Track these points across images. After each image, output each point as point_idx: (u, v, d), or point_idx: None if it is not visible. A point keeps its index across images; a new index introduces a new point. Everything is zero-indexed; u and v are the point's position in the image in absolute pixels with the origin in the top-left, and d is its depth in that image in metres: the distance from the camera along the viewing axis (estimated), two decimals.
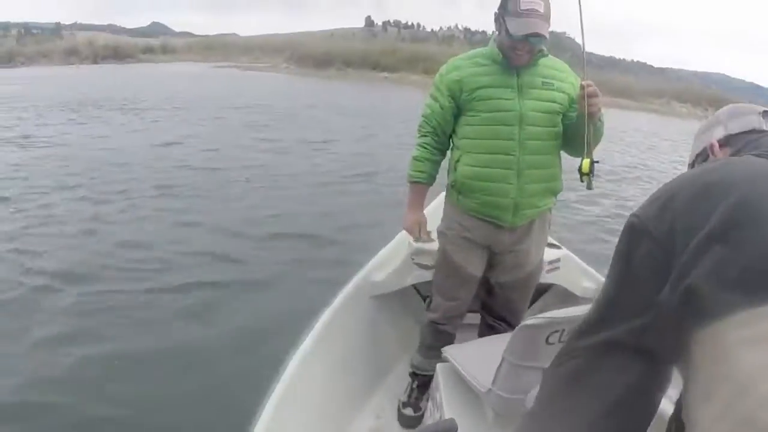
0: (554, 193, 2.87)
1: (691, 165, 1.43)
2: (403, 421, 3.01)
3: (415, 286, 3.54)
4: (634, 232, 0.94)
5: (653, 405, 0.94)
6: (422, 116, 2.87)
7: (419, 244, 3.08)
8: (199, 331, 4.70)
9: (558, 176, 2.85)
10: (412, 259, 3.17)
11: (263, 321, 4.84)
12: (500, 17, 2.57)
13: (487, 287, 3.09)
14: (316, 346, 2.62)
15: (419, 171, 2.88)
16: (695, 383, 0.79)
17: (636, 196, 12.14)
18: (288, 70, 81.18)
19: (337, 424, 2.73)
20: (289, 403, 2.22)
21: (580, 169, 2.62)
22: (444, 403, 2.39)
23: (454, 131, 2.82)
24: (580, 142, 2.58)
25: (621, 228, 0.99)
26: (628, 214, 0.98)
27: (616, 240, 1.00)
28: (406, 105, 28.35)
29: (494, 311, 3.11)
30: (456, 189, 2.79)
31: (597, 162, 2.58)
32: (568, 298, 3.66)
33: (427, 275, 3.19)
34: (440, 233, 2.94)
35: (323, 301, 3.13)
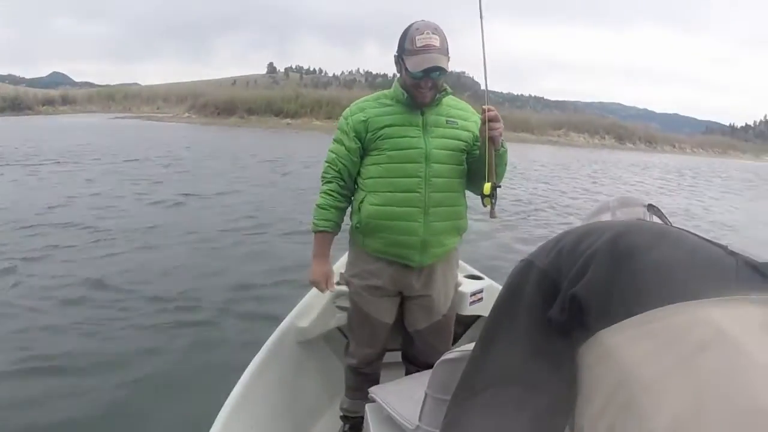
0: (460, 231, 2.81)
1: None
2: None
3: (339, 328, 3.48)
4: (526, 272, 1.00)
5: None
6: (326, 162, 2.75)
7: (339, 288, 2.99)
8: (115, 396, 4.12)
9: (464, 214, 2.78)
10: (334, 302, 3.15)
11: (186, 377, 4.44)
12: (399, 58, 2.54)
13: (406, 336, 2.99)
14: (245, 397, 2.54)
15: (324, 219, 2.73)
16: (581, 392, 0.86)
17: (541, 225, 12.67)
18: (190, 119, 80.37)
19: None
20: None
21: (482, 192, 2.51)
22: None
23: (358, 173, 2.71)
24: (484, 176, 2.50)
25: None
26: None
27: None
28: (310, 150, 28.17)
29: (418, 360, 2.98)
30: (360, 231, 2.68)
31: (499, 187, 2.51)
32: None
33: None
34: (348, 282, 2.83)
35: (247, 351, 3.05)
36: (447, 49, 2.50)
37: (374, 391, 2.52)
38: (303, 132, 60.92)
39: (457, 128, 2.66)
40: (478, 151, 2.63)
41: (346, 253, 3.15)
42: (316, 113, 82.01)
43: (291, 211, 11.79)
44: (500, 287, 3.43)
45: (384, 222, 2.59)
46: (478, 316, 3.53)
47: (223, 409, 2.36)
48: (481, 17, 2.52)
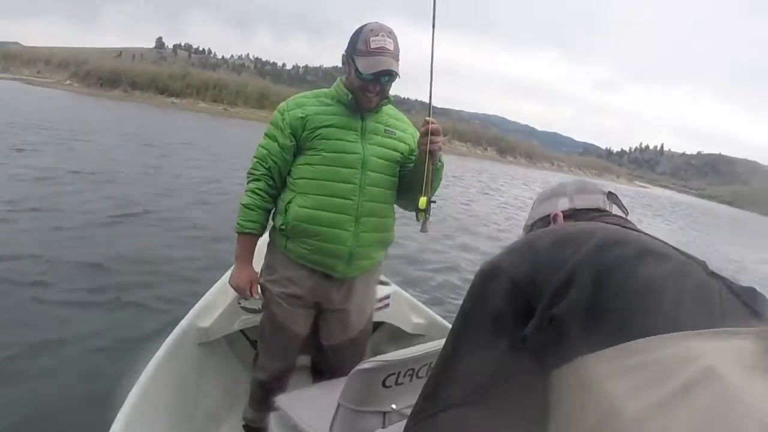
0: (387, 244, 2.70)
1: (530, 228, 1.42)
2: None
3: (243, 332, 3.33)
4: (493, 279, 0.93)
5: None
6: (255, 158, 2.56)
7: (248, 308, 2.85)
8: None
9: (392, 227, 2.69)
10: (239, 303, 2.91)
11: (73, 382, 3.90)
12: (349, 58, 2.43)
13: (317, 348, 2.83)
14: (142, 401, 2.34)
15: (251, 221, 2.54)
16: (556, 417, 0.80)
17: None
18: (71, 87, 76.99)
19: None
20: None
21: (416, 207, 2.45)
22: None
23: (288, 172, 2.55)
24: (417, 189, 2.44)
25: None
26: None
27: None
28: (195, 134, 27.42)
29: (328, 373, 2.78)
30: (285, 234, 2.50)
31: (434, 202, 2.48)
32: (398, 335, 3.50)
33: (255, 319, 2.97)
34: (263, 287, 2.63)
35: (148, 350, 2.76)
36: (398, 54, 2.43)
37: (280, 399, 2.40)
38: (188, 113, 59.35)
39: (394, 138, 2.59)
40: (411, 165, 2.60)
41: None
42: (203, 95, 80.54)
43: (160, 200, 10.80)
44: (405, 294, 3.68)
45: (312, 227, 2.45)
46: (381, 323, 3.46)
47: (118, 416, 2.19)
48: (433, 26, 2.47)
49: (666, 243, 0.97)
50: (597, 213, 1.30)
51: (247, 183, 2.58)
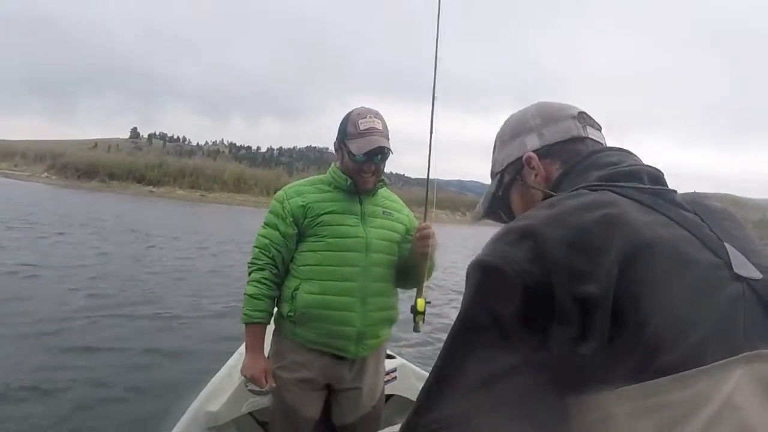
0: (393, 322, 2.70)
1: (500, 176, 1.25)
2: None
3: (252, 414, 3.30)
4: (498, 278, 0.80)
5: None
6: (256, 248, 2.56)
7: (256, 390, 2.80)
8: None
9: (396, 305, 2.70)
10: (246, 386, 2.90)
11: None
12: (341, 143, 2.50)
13: (329, 429, 2.80)
14: None
15: (259, 311, 2.50)
16: None
17: None
18: (49, 179, 77.29)
19: None
20: None
21: (414, 308, 2.55)
22: None
23: (292, 259, 2.56)
24: (409, 274, 2.61)
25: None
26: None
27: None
28: (173, 220, 27.50)
29: None
30: (293, 320, 2.49)
31: (429, 303, 2.56)
32: (407, 407, 3.24)
33: (263, 401, 3.02)
34: (273, 375, 2.58)
35: None
36: (388, 133, 2.49)
37: None
38: (166, 199, 59.64)
39: (392, 219, 2.63)
40: (407, 245, 2.64)
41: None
42: (180, 182, 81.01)
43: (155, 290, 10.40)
44: (412, 365, 3.72)
45: (321, 311, 2.44)
46: (390, 396, 3.42)
47: None
48: (433, 104, 2.54)
49: (692, 229, 0.87)
50: (577, 144, 1.14)
51: (251, 273, 2.55)
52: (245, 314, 2.51)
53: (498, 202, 1.26)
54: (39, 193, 45.41)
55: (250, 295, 2.50)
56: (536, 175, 1.15)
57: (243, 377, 2.76)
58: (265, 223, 2.56)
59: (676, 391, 0.71)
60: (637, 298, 0.75)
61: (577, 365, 0.74)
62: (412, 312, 2.57)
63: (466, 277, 0.86)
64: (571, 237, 0.80)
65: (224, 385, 3.27)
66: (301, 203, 2.49)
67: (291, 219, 2.49)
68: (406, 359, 3.82)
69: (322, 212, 2.48)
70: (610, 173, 1.00)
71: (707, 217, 0.91)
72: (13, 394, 4.99)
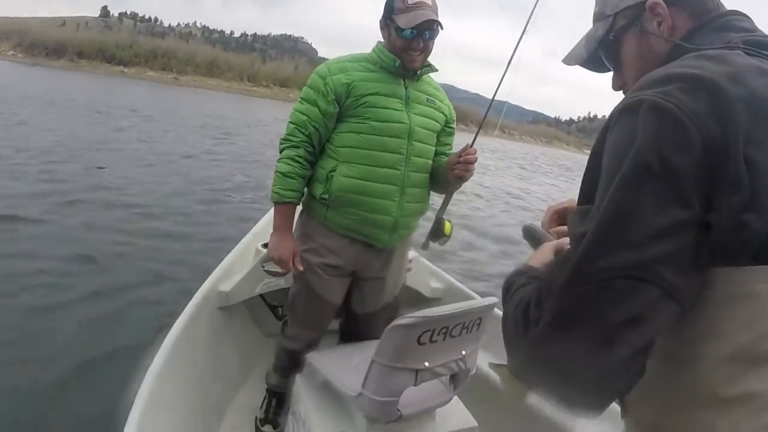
0: (424, 213, 2.61)
1: (613, 17, 1.08)
2: None
3: (262, 296, 3.24)
4: (676, 128, 0.72)
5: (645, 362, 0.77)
6: (291, 123, 2.41)
7: (272, 272, 2.71)
8: (34, 366, 3.65)
9: (429, 197, 2.60)
10: (262, 266, 2.79)
11: (101, 345, 3.97)
12: (387, 20, 2.35)
13: (348, 315, 2.78)
14: (166, 366, 2.32)
15: (291, 190, 2.39)
16: (697, 318, 0.76)
17: None
18: (15, 57, 74.87)
19: None
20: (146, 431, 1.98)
21: (439, 229, 2.58)
22: (313, 414, 2.20)
23: (329, 139, 2.43)
24: (434, 184, 2.54)
25: None
26: None
27: None
28: (143, 100, 27.06)
29: (357, 339, 2.72)
30: (326, 203, 2.39)
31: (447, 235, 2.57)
32: (416, 299, 3.47)
33: (278, 282, 3.00)
34: (299, 257, 2.48)
35: (169, 315, 2.79)
36: (437, 8, 2.34)
37: (312, 356, 2.39)
38: (137, 80, 58.40)
39: (434, 108, 2.50)
40: (442, 148, 2.59)
41: (268, 214, 3.02)
42: (151, 63, 79.13)
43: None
44: (424, 260, 3.62)
45: (358, 197, 2.34)
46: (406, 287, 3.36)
47: (146, 378, 2.15)
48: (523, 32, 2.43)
49: None
50: None
51: (283, 150, 2.42)
52: (276, 192, 2.40)
53: (606, 47, 1.10)
54: (5, 72, 43.92)
55: (283, 173, 2.38)
56: (661, 24, 1.01)
57: (261, 257, 2.79)
58: (303, 99, 2.40)
59: None
60: None
61: (737, 234, 0.71)
62: (432, 232, 2.60)
63: (622, 115, 0.79)
64: (750, 99, 0.73)
65: (236, 266, 3.24)
66: (346, 81, 2.33)
67: (333, 97, 2.33)
68: None
69: (367, 93, 2.34)
70: (754, 39, 0.89)
71: None
72: None
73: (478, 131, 2.56)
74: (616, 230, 0.73)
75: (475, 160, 2.39)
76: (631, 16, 1.04)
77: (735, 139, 0.70)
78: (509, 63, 2.44)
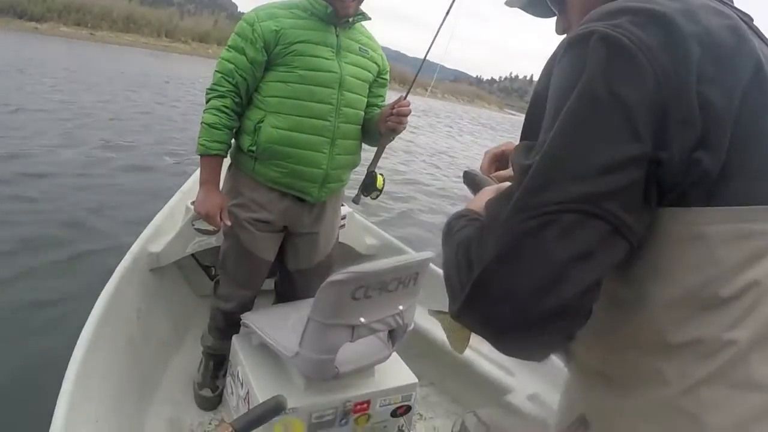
0: (356, 166, 2.57)
1: None
2: (202, 402, 2.65)
3: (194, 255, 3.16)
4: (627, 60, 0.69)
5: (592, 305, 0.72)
6: (218, 72, 2.31)
7: (203, 230, 2.66)
8: None
9: (360, 149, 2.55)
10: (193, 224, 2.71)
11: (34, 313, 3.77)
12: None
13: (282, 273, 2.73)
14: (97, 334, 2.22)
15: (217, 141, 2.28)
16: (644, 260, 0.75)
17: None
18: None
19: (133, 420, 2.40)
20: (81, 404, 1.90)
21: (372, 183, 2.53)
22: (249, 375, 2.19)
23: (256, 89, 2.33)
24: (365, 136, 2.52)
25: None
26: None
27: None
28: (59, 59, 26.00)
29: (292, 298, 2.69)
30: (253, 156, 2.32)
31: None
32: (350, 255, 3.46)
33: (209, 241, 2.94)
34: (228, 212, 2.39)
35: (99, 279, 2.61)
36: None
37: (247, 317, 2.37)
38: (51, 37, 56.39)
39: (367, 57, 2.43)
40: (374, 99, 2.54)
41: (197, 172, 2.86)
42: (65, 18, 76.13)
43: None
44: (358, 215, 3.62)
45: (286, 149, 2.27)
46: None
47: (77, 344, 2.09)
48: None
49: None
50: None
51: (209, 100, 2.30)
52: (201, 144, 2.27)
53: None
54: None
55: (209, 124, 2.26)
56: None
57: (191, 215, 2.67)
58: (230, 46, 2.29)
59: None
60: (754, 124, 0.71)
61: (688, 172, 0.69)
62: (364, 186, 2.54)
63: (571, 46, 0.76)
64: (705, 37, 0.71)
65: (166, 226, 3.14)
66: (274, 28, 2.22)
67: (261, 44, 2.22)
68: None
69: (296, 40, 2.24)
70: None
71: None
72: None
73: (412, 85, 2.54)
74: (563, 163, 0.70)
75: (409, 112, 2.36)
76: None
77: (687, 75, 0.68)
78: (440, 25, 2.39)
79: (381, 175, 2.53)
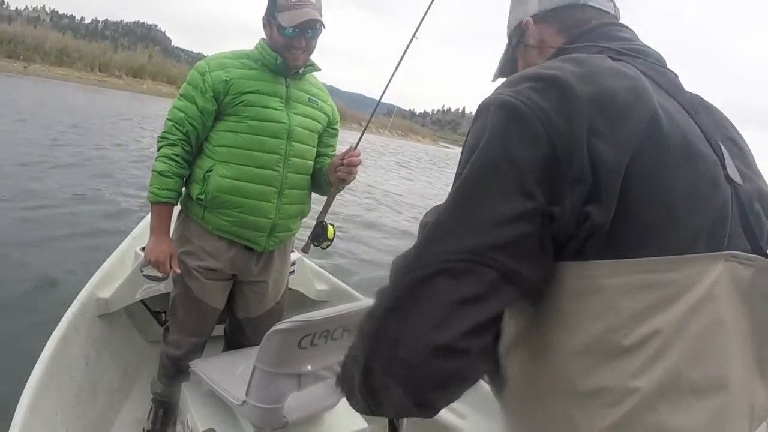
0: (304, 215, 2.57)
1: (514, 43, 1.18)
2: None
3: (143, 301, 3.09)
4: (522, 123, 0.75)
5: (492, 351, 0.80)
6: (169, 121, 2.30)
7: (152, 276, 2.54)
8: None
9: (309, 198, 2.56)
10: (141, 271, 2.59)
11: None
12: (269, 17, 2.27)
13: (232, 321, 2.71)
14: (44, 381, 2.17)
15: (167, 189, 2.27)
16: (551, 310, 0.78)
17: None
18: None
19: None
20: None
21: (322, 233, 2.55)
22: (198, 423, 2.13)
23: (206, 138, 2.33)
24: (315, 186, 2.54)
25: None
26: None
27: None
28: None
29: (242, 345, 2.68)
30: (203, 204, 2.30)
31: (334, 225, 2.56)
32: (302, 301, 3.45)
33: (158, 287, 2.90)
34: (177, 260, 2.38)
35: (46, 326, 2.56)
36: (320, 7, 2.26)
37: (196, 364, 2.32)
38: None
39: (317, 108, 2.44)
40: (323, 149, 2.57)
41: (147, 217, 2.92)
42: None
43: None
44: (308, 261, 3.66)
45: (234, 198, 2.26)
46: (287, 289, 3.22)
47: (22, 397, 2.02)
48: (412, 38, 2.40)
49: (699, 123, 0.86)
50: (576, 11, 1.08)
51: (160, 148, 2.29)
52: (152, 192, 2.26)
53: (508, 65, 1.22)
54: None
55: (159, 172, 2.25)
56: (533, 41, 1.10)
57: (140, 261, 2.60)
58: (182, 95, 2.29)
59: (669, 272, 0.73)
60: (648, 177, 0.74)
61: (581, 226, 0.73)
62: (314, 236, 2.54)
63: (478, 114, 0.82)
64: (600, 97, 0.76)
65: (115, 272, 3.07)
66: (225, 78, 2.23)
67: (211, 93, 2.23)
68: None
69: (246, 90, 2.25)
70: (628, 47, 0.96)
71: (707, 113, 0.93)
72: None
73: (362, 134, 2.52)
74: (458, 218, 0.75)
75: (359, 162, 2.37)
76: (518, 35, 1.15)
77: (579, 133, 0.72)
78: (396, 67, 2.41)
79: (331, 225, 2.55)
